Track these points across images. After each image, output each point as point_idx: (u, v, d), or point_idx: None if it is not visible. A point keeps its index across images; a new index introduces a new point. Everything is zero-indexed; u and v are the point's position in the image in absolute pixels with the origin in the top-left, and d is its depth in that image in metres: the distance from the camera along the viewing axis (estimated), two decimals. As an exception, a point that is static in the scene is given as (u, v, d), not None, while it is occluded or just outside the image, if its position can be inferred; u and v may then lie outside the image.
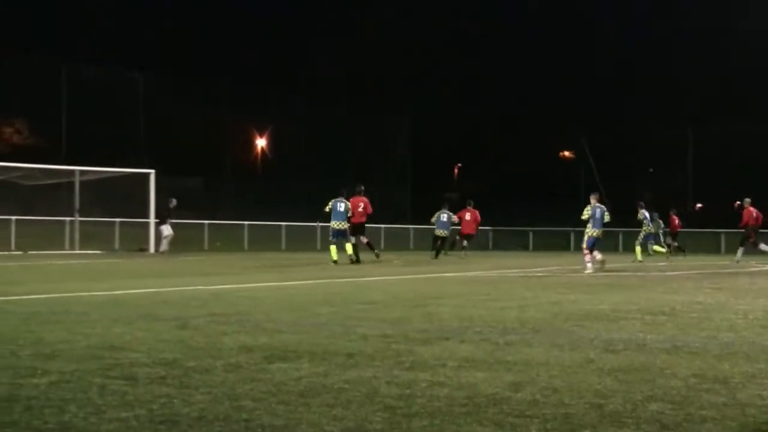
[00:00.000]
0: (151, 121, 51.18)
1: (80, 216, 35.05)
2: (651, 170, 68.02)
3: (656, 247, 30.99)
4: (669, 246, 34.07)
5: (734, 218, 30.30)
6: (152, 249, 33.36)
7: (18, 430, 4.15)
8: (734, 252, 30.00)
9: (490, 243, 49.97)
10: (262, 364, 6.02)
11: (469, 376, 5.60)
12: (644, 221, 30.61)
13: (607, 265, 21.36)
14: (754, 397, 5.05)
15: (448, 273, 19.60)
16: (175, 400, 4.77)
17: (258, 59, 67.30)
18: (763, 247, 29.45)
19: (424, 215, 32.04)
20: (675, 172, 63.52)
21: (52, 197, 36.86)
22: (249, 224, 42.07)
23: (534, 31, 79.30)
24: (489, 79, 75.10)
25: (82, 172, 35.46)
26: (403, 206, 56.89)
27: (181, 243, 33.60)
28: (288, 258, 29.51)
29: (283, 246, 41.52)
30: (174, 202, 32.76)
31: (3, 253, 29.65)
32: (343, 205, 24.16)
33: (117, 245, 35.71)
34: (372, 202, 25.51)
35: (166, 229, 32.32)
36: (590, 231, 21.37)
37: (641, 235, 30.70)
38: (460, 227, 32.57)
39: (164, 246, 32.18)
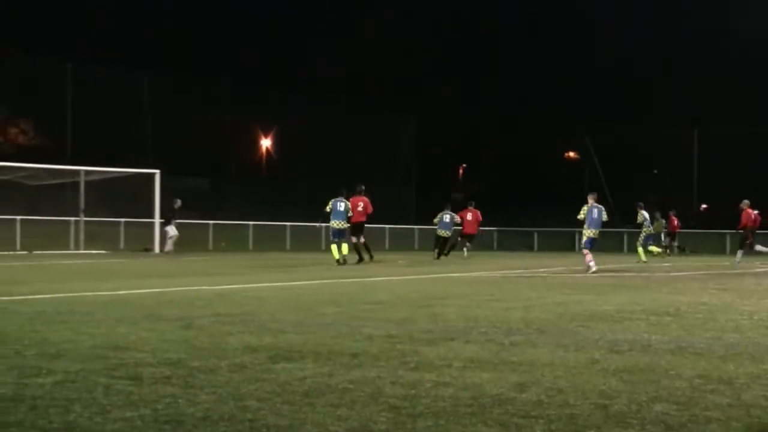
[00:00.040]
0: (157, 122, 51.23)
1: (85, 216, 35.10)
2: (655, 171, 67.93)
3: (652, 248, 31.00)
4: (666, 247, 34.22)
5: (735, 219, 30.33)
6: (157, 249, 33.41)
7: (23, 430, 4.16)
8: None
9: (495, 243, 49.96)
10: (267, 364, 6.02)
11: (474, 376, 5.60)
12: (644, 222, 30.63)
13: (606, 266, 21.36)
14: (759, 398, 5.04)
15: (453, 273, 19.60)
16: (180, 400, 4.78)
17: (258, 59, 67.43)
18: (759, 248, 29.50)
19: (429, 216, 32.08)
20: (679, 173, 63.41)
21: (57, 197, 36.90)
22: (254, 224, 42.10)
23: (534, 31, 79.40)
24: (489, 79, 75.27)
25: (87, 173, 35.51)
26: (408, 207, 56.91)
27: (186, 243, 33.62)
28: (293, 258, 29.52)
29: (288, 246, 41.55)
30: (179, 202, 32.79)
31: (8, 253, 29.71)
32: (343, 204, 24.19)
33: (122, 245, 35.78)
34: (373, 202, 25.47)
35: (172, 230, 32.34)
36: (587, 231, 21.39)
37: (642, 236, 30.71)
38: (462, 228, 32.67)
39: (169, 246, 32.21)
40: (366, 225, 25.63)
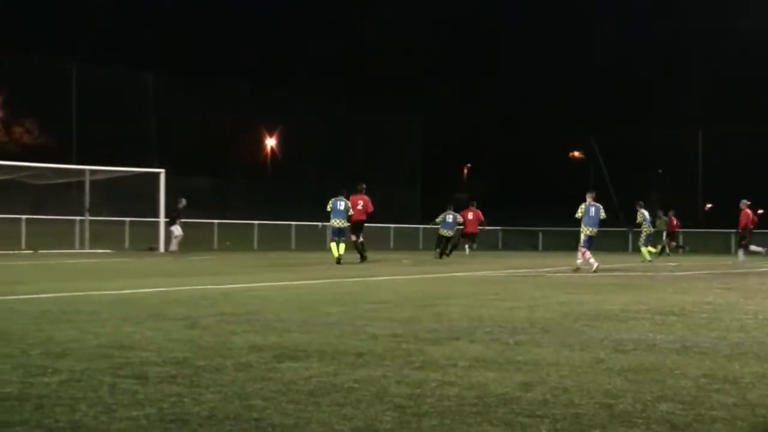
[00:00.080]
0: (161, 121, 51.28)
1: (90, 215, 35.16)
2: (660, 171, 67.87)
3: (649, 248, 31.01)
4: (664, 247, 34.30)
5: (736, 219, 30.35)
6: (162, 248, 33.44)
7: (29, 429, 4.16)
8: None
9: (500, 243, 49.95)
10: (272, 363, 6.02)
11: (479, 375, 5.60)
12: (644, 222, 30.61)
13: (606, 266, 21.35)
14: (764, 398, 5.04)
15: (457, 273, 19.60)
16: (186, 399, 4.78)
17: (258, 59, 67.47)
18: (753, 248, 29.57)
19: (434, 215, 32.13)
20: (680, 173, 63.34)
21: (62, 196, 36.99)
22: (259, 224, 42.15)
23: (534, 31, 79.38)
24: (489, 79, 75.27)
25: (92, 172, 35.55)
26: (412, 206, 56.92)
27: (191, 243, 33.66)
28: (297, 257, 29.54)
29: (293, 245, 41.58)
30: (184, 202, 32.82)
31: (13, 252, 29.76)
32: (343, 203, 24.22)
33: (127, 245, 35.82)
34: (374, 201, 25.47)
35: (177, 230, 32.38)
36: (585, 230, 21.40)
37: (642, 236, 30.71)
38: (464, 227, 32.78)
39: (174, 246, 32.25)
40: (370, 225, 25.63)
